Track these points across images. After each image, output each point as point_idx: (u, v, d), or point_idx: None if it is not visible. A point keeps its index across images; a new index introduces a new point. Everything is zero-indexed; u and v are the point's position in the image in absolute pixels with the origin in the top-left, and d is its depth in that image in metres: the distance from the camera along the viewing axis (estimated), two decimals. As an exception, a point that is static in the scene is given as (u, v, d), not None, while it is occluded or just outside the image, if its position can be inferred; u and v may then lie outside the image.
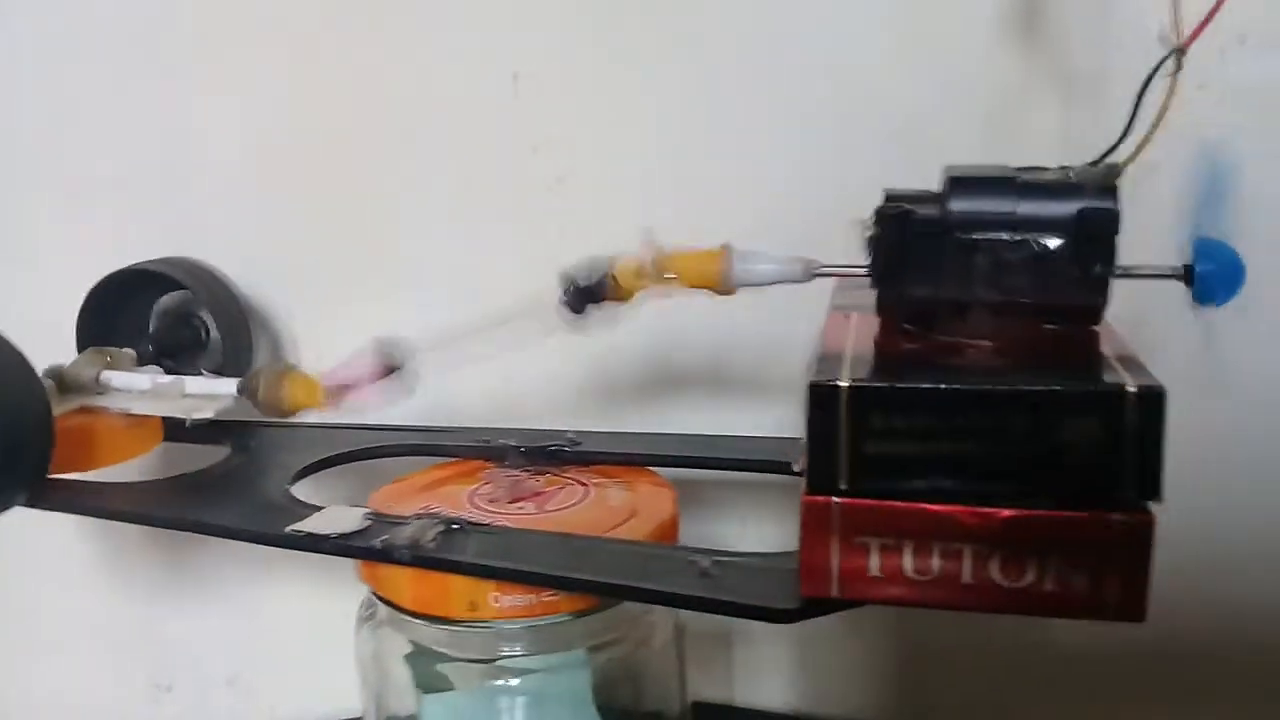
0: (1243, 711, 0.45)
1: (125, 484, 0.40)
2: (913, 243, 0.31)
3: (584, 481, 0.40)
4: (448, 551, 0.33)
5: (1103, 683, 0.46)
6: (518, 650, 0.37)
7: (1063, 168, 0.32)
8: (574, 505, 0.38)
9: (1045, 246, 0.31)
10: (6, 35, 0.54)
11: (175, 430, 0.44)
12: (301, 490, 0.41)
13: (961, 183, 0.32)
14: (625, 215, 0.47)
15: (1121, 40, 0.42)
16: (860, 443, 0.28)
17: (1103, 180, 0.31)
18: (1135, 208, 0.42)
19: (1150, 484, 0.26)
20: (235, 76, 0.51)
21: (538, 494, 0.39)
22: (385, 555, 0.33)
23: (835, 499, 0.28)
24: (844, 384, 0.28)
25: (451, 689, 0.38)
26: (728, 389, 0.49)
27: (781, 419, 0.47)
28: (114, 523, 0.39)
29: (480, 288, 0.49)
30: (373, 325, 0.50)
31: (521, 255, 0.49)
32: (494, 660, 0.37)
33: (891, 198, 0.32)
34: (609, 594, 0.32)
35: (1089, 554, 0.27)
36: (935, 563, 0.28)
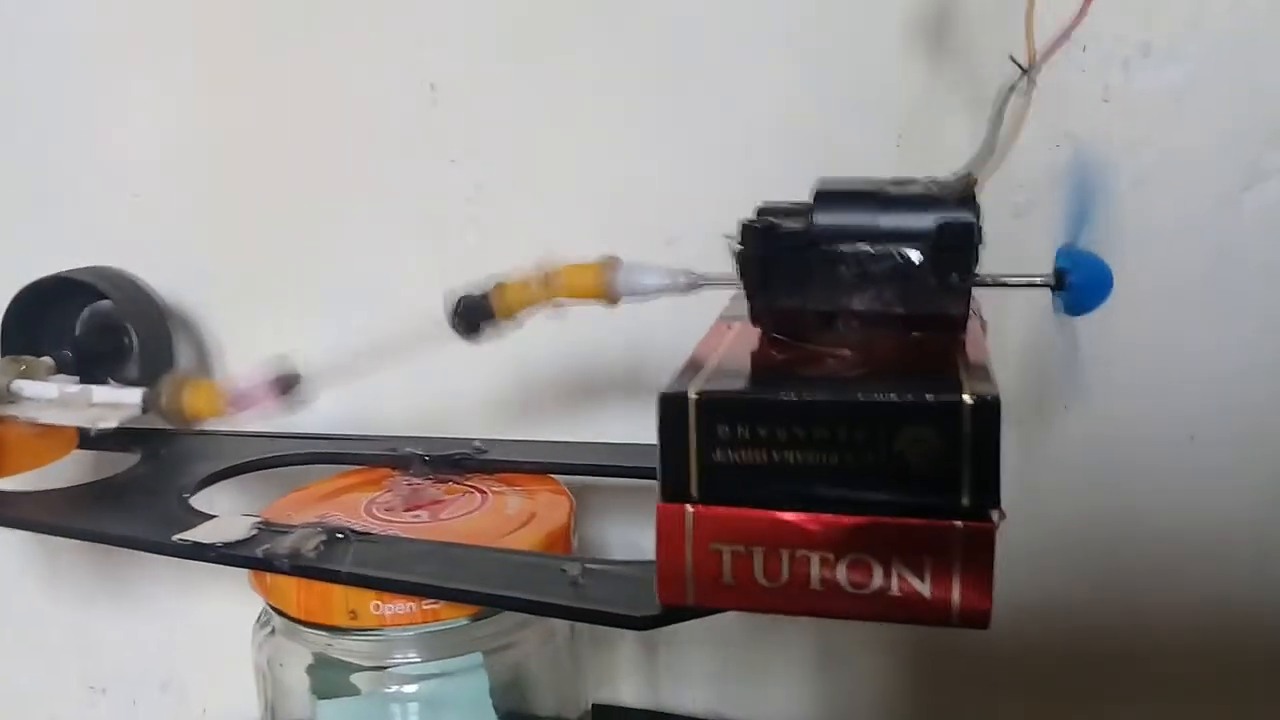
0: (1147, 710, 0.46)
1: (32, 492, 0.41)
2: (779, 255, 0.32)
3: (484, 490, 0.41)
4: (327, 561, 0.34)
5: (1019, 677, 0.47)
6: (411, 656, 0.38)
7: (929, 179, 0.33)
8: (468, 514, 0.39)
9: (906, 258, 0.31)
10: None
11: (89, 439, 0.44)
12: (211, 499, 0.41)
13: (826, 196, 0.32)
14: (543, 225, 0.49)
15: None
16: (708, 451, 0.28)
17: (960, 192, 0.31)
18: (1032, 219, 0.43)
19: (988, 492, 0.27)
20: (154, 85, 0.51)
21: (435, 502, 0.40)
22: (265, 564, 0.34)
23: (688, 507, 0.29)
24: (692, 394, 0.28)
25: (348, 695, 0.39)
26: (644, 396, 0.50)
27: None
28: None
29: (398, 296, 0.50)
30: (294, 333, 0.51)
31: (439, 264, 0.49)
32: (386, 667, 0.38)
33: (762, 211, 0.33)
34: (476, 602, 0.33)
35: (931, 561, 0.27)
36: (785, 569, 0.28)
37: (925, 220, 0.31)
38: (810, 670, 0.51)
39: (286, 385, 0.39)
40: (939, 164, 0.41)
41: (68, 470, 0.45)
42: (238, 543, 0.35)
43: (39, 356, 0.46)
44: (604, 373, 0.49)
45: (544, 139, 0.48)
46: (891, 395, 0.27)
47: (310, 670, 0.39)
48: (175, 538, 0.35)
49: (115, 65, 0.52)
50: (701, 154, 0.46)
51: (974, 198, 0.31)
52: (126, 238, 0.52)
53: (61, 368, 0.47)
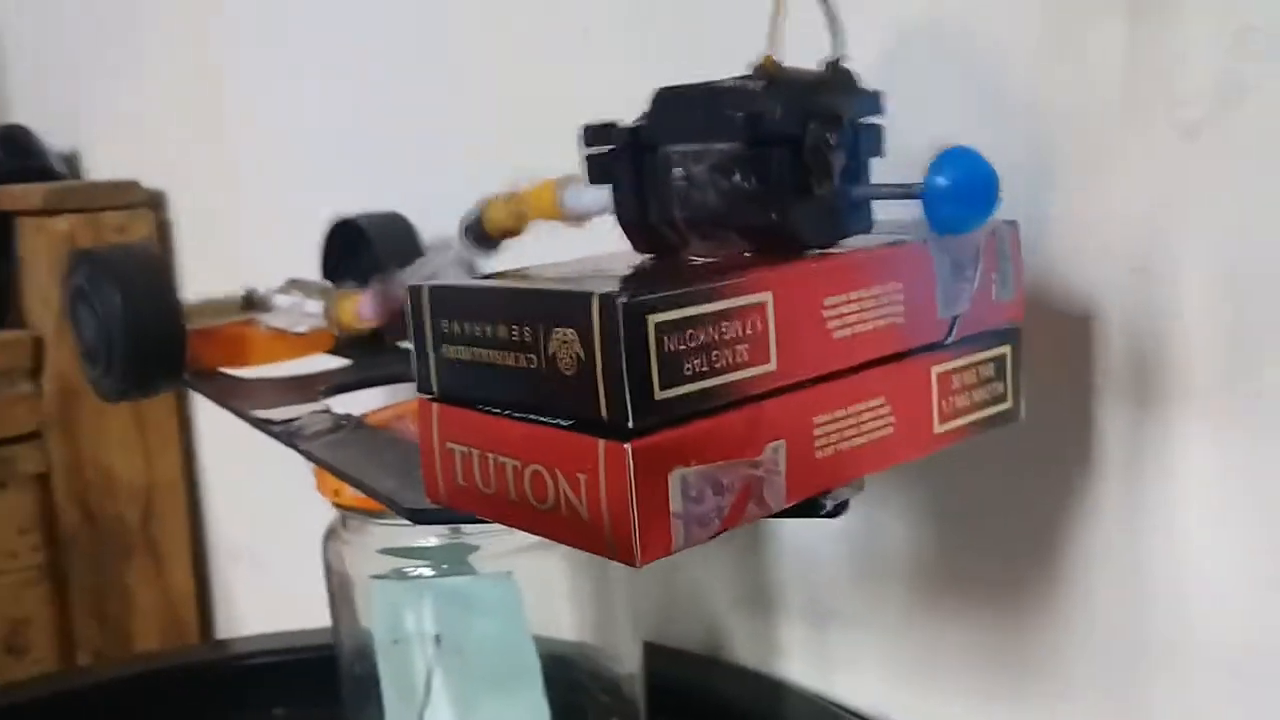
0: None
1: (249, 378, 0.51)
2: (618, 158, 0.30)
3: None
4: (305, 441, 0.38)
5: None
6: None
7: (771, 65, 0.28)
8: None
9: (717, 158, 0.28)
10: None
11: (339, 344, 0.54)
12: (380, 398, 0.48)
13: (665, 97, 0.29)
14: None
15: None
16: (439, 346, 0.28)
17: (766, 80, 0.27)
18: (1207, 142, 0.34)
19: (629, 411, 0.24)
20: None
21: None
22: (278, 436, 0.40)
23: (430, 403, 0.29)
24: (425, 287, 0.28)
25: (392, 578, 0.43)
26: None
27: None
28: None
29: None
30: None
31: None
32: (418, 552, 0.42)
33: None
34: (335, 476, 0.35)
35: (585, 481, 0.25)
36: (492, 477, 0.27)
37: (736, 114, 0.27)
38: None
39: (383, 299, 0.45)
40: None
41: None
42: (283, 421, 0.41)
43: (323, 281, 0.57)
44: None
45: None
46: (539, 291, 0.25)
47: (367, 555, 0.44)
48: (251, 411, 0.43)
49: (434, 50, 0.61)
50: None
51: (781, 83, 0.27)
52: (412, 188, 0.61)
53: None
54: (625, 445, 0.24)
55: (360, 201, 0.61)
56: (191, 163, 0.83)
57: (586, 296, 0.24)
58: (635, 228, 0.30)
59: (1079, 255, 0.37)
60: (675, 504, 0.24)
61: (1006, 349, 0.33)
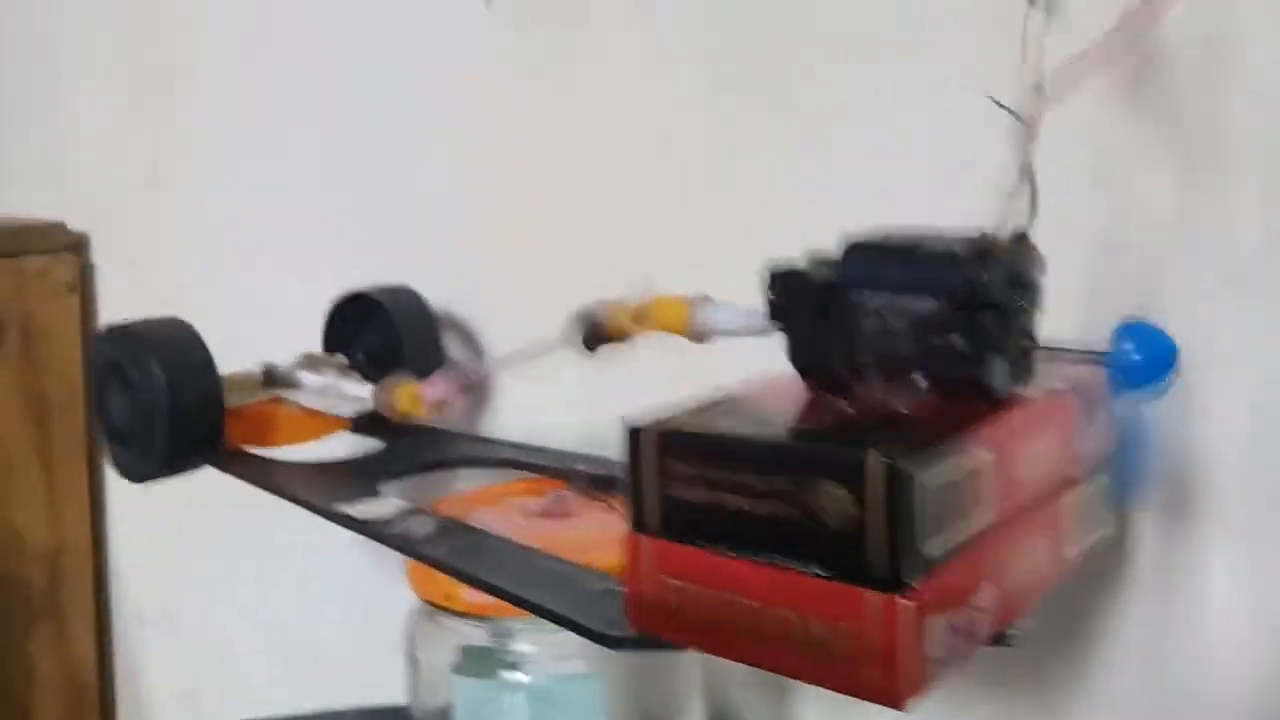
0: None
1: (285, 462, 0.50)
2: (804, 303, 0.32)
3: (617, 508, 0.44)
4: (422, 545, 0.39)
5: None
6: (528, 645, 0.42)
7: (973, 233, 0.31)
8: (583, 528, 0.42)
9: (922, 315, 0.30)
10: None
11: (357, 423, 0.53)
12: (417, 485, 0.48)
13: (858, 248, 0.32)
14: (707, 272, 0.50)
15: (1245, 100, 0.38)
16: (665, 485, 0.29)
17: (979, 250, 0.30)
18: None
19: (901, 565, 0.26)
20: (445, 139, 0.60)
21: (566, 514, 0.43)
22: (381, 538, 0.40)
23: (647, 538, 0.30)
24: (653, 428, 0.30)
25: (477, 676, 0.44)
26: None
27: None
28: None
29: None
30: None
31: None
32: (503, 652, 0.42)
33: (814, 262, 0.33)
34: (491, 594, 0.36)
35: (847, 630, 0.27)
36: (722, 611, 0.29)
37: (943, 277, 0.30)
38: None
39: (467, 389, 0.45)
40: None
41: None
42: (375, 520, 0.41)
43: (345, 355, 0.56)
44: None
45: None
46: (806, 446, 0.27)
47: (452, 649, 0.44)
48: (333, 507, 0.42)
49: (408, 112, 0.61)
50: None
51: (994, 256, 0.30)
52: (417, 257, 0.62)
53: (358, 367, 0.57)
54: (898, 599, 0.26)
55: (307, 260, 0.60)
56: (122, 206, 0.80)
57: (860, 456, 0.26)
58: (810, 367, 0.33)
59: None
60: (931, 649, 0.27)
61: (1104, 477, 0.36)
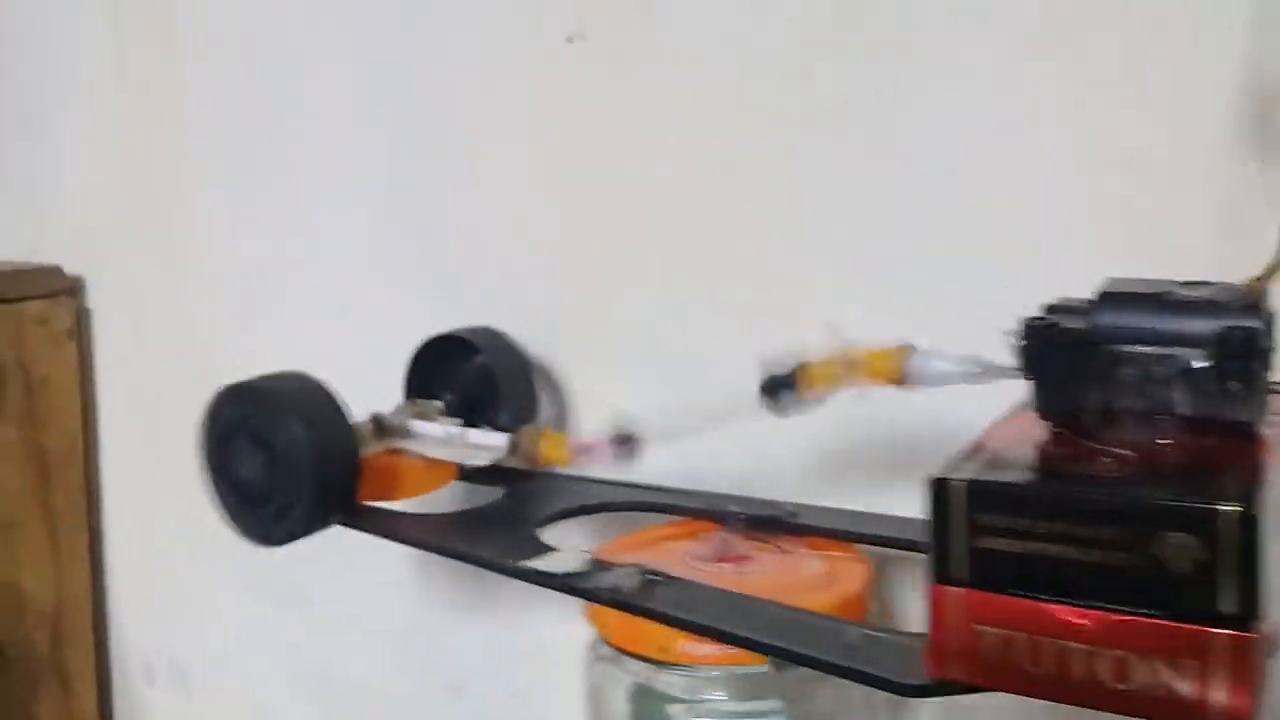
0: None
1: (415, 514, 0.49)
2: (1059, 353, 0.34)
3: (789, 550, 0.45)
4: (642, 599, 0.39)
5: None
6: (719, 695, 0.42)
7: (1219, 284, 0.33)
8: (770, 571, 0.43)
9: (1188, 363, 0.32)
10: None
11: (465, 472, 0.52)
12: (554, 533, 0.48)
13: (1111, 296, 0.33)
14: (816, 306, 0.51)
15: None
16: (975, 537, 0.30)
17: (1247, 298, 0.32)
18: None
19: (1250, 602, 0.27)
20: (511, 176, 0.60)
21: (742, 557, 0.44)
22: (589, 595, 0.40)
23: (955, 589, 0.31)
24: (960, 482, 0.31)
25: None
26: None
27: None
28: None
29: (722, 366, 0.55)
30: (635, 391, 0.57)
31: (761, 339, 0.54)
32: (696, 702, 0.42)
33: (1049, 309, 0.35)
34: (758, 651, 0.36)
35: (1193, 666, 0.28)
36: (1047, 657, 0.30)
37: (1209, 326, 0.32)
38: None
39: (623, 442, 0.45)
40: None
41: (443, 497, 0.54)
42: (571, 574, 0.41)
43: (432, 400, 0.55)
44: (906, 447, 0.51)
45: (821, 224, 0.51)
46: (1153, 499, 0.28)
47: (631, 696, 0.44)
48: (521, 564, 0.42)
49: (479, 149, 0.61)
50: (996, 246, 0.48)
51: (1261, 305, 0.32)
52: (505, 301, 0.61)
53: (449, 411, 0.56)
54: (1249, 635, 0.28)
55: (347, 302, 0.59)
56: (122, 246, 0.76)
57: (1209, 507, 0.28)
58: (1062, 413, 0.34)
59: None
60: (1270, 679, 0.28)
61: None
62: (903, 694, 0.33)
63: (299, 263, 0.69)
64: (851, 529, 0.46)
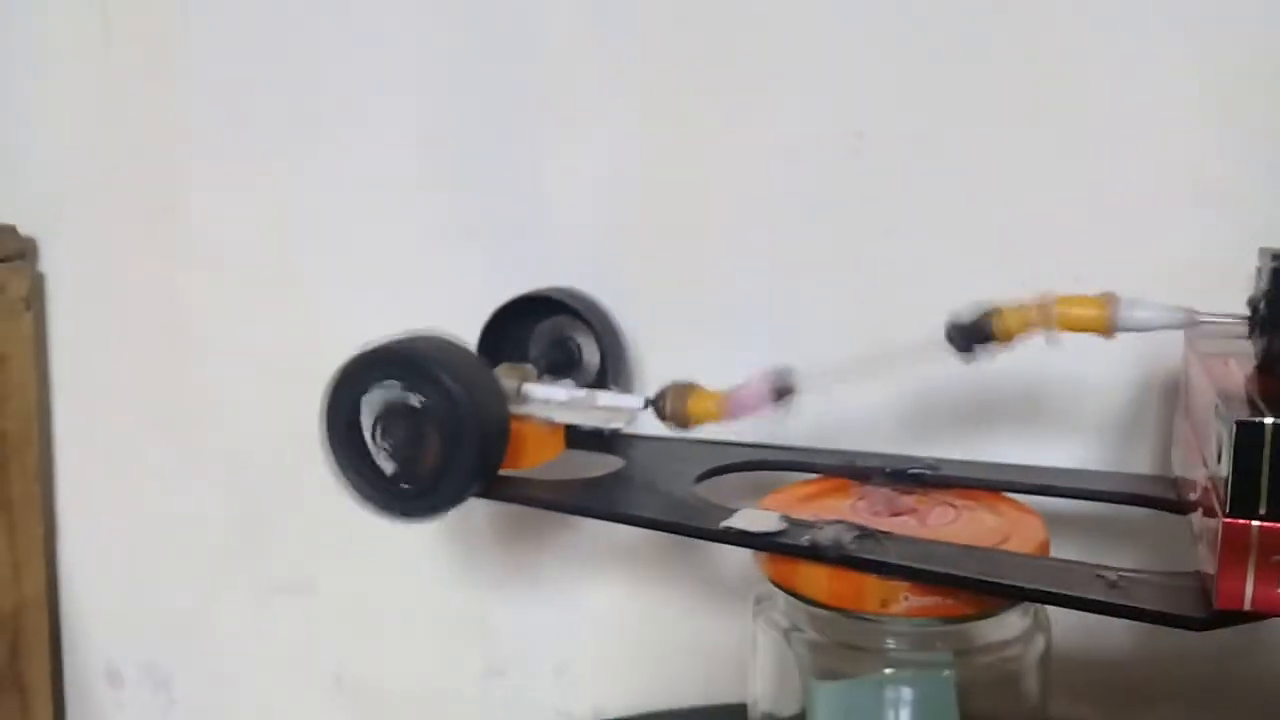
0: None
1: (553, 480, 0.47)
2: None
3: (952, 503, 0.45)
4: (869, 553, 0.38)
5: None
6: (902, 646, 0.42)
7: None
8: (951, 523, 0.43)
9: None
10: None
11: (576, 439, 0.51)
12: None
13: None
14: (949, 264, 0.53)
15: None
16: (1278, 474, 0.32)
17: None
18: None
19: None
20: (599, 134, 0.58)
21: (914, 510, 0.44)
22: (813, 553, 0.39)
23: (1255, 523, 0.32)
24: (1269, 421, 0.32)
25: (841, 678, 0.43)
26: (1039, 424, 0.53)
27: (1089, 455, 0.51)
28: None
29: (799, 330, 0.55)
30: (699, 355, 0.56)
31: (847, 301, 0.54)
32: (884, 652, 0.42)
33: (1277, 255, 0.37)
34: (1028, 599, 0.37)
35: None
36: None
37: None
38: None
39: (783, 394, 0.45)
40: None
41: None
42: (777, 533, 0.40)
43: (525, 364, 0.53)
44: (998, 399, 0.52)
45: (956, 184, 0.52)
46: None
47: (814, 653, 0.43)
48: (723, 525, 0.41)
49: (560, 116, 0.59)
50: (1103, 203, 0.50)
51: None
52: (569, 263, 0.59)
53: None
54: None
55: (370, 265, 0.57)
56: (92, 208, 0.69)
57: None
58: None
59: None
60: None
61: None
62: (1191, 627, 0.34)
63: (318, 230, 0.64)
64: (997, 478, 0.47)
